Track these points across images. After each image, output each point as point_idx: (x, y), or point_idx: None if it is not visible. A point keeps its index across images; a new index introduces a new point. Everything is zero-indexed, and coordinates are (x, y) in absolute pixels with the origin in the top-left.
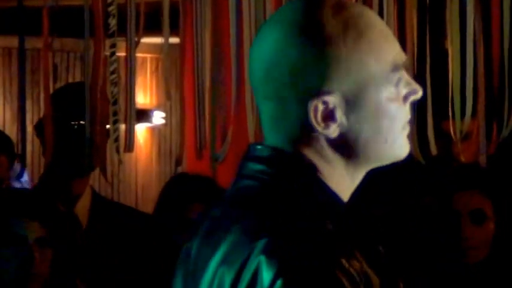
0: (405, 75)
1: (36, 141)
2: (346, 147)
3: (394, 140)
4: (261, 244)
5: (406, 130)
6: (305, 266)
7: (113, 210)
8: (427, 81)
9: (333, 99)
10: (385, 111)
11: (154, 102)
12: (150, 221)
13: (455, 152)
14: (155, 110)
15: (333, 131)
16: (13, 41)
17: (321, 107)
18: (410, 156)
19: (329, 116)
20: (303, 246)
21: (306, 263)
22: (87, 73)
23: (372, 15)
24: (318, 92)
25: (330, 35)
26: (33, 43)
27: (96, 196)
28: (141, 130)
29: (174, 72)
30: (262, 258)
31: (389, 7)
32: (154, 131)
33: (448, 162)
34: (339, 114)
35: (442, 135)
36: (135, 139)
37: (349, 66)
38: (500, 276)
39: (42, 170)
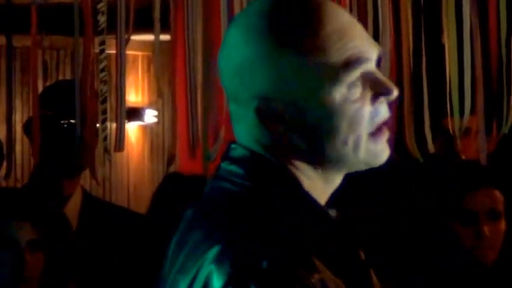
0: (372, 74)
1: (26, 140)
2: (306, 150)
3: (356, 144)
4: (213, 252)
5: (381, 134)
6: (256, 275)
7: (104, 211)
8: (423, 78)
9: (279, 101)
10: (339, 113)
11: (146, 100)
12: (142, 221)
13: (455, 149)
14: (147, 108)
15: (283, 132)
16: (1, 39)
17: (266, 108)
18: (407, 154)
19: (276, 118)
20: (257, 255)
21: (258, 273)
22: (77, 71)
23: (328, 11)
24: (264, 93)
25: (277, 35)
26: (23, 41)
27: (87, 196)
28: (133, 128)
29: (166, 70)
30: (213, 267)
31: (384, 2)
32: (147, 129)
33: (446, 160)
34: (287, 116)
35: (441, 132)
36: (127, 138)
37: (294, 67)
38: (507, 277)
39: (31, 170)
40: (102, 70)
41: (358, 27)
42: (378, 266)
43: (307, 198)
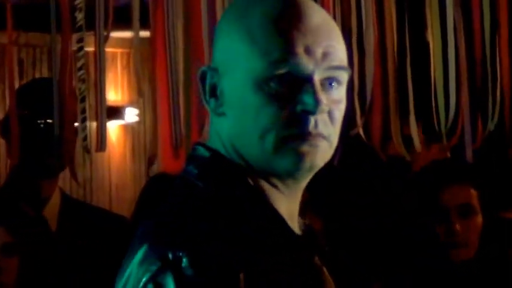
0: (303, 79)
1: (1, 141)
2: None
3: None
4: (140, 253)
5: (298, 142)
6: (176, 275)
7: (84, 212)
8: (408, 75)
9: (216, 73)
10: (248, 108)
11: (126, 98)
12: (123, 223)
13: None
14: (127, 106)
15: (215, 108)
16: None
17: (205, 75)
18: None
19: (212, 89)
20: (178, 254)
21: (177, 272)
22: (55, 69)
23: (297, 12)
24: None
25: (236, 13)
26: None
27: (66, 198)
28: (113, 128)
29: (146, 68)
30: (137, 267)
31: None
32: (128, 128)
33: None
34: (219, 90)
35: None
36: (107, 137)
37: (236, 47)
38: (487, 274)
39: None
40: (80, 68)
41: (313, 35)
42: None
43: (257, 201)
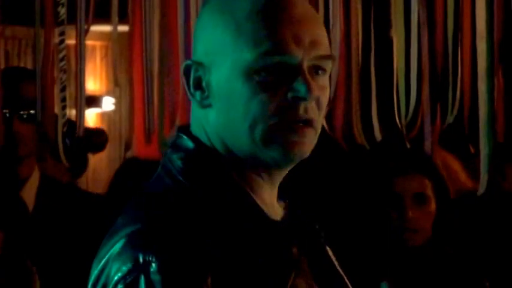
0: (292, 68)
1: None
2: (222, 127)
3: (253, 135)
4: (117, 246)
5: (287, 132)
6: (146, 274)
7: (62, 192)
8: (372, 70)
9: (201, 66)
10: (237, 99)
11: (104, 88)
12: (101, 202)
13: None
14: (105, 96)
15: (202, 99)
16: None
17: (189, 69)
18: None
19: (196, 82)
20: (150, 253)
21: (148, 272)
22: (38, 61)
23: (282, 3)
24: (197, 58)
25: (221, 3)
26: None
27: (44, 178)
28: (91, 115)
29: (123, 60)
30: (113, 261)
31: None
32: (104, 116)
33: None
34: (204, 83)
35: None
36: (85, 124)
37: (224, 39)
38: (439, 261)
39: None
40: (62, 59)
41: (300, 25)
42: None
43: (238, 198)
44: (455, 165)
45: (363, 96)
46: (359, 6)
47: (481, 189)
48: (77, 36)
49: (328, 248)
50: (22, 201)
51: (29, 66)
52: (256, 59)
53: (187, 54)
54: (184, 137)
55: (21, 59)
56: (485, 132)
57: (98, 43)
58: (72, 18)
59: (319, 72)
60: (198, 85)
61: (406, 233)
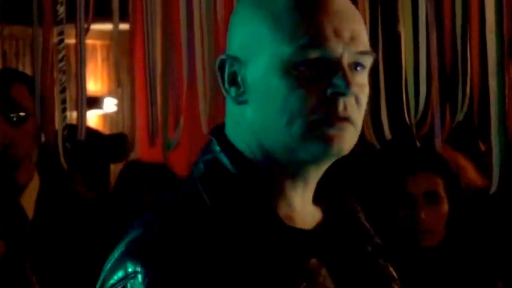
0: (331, 63)
1: None
2: (257, 125)
3: (291, 131)
4: (119, 249)
5: (326, 127)
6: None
7: (64, 198)
8: (380, 66)
9: (236, 61)
10: (274, 94)
11: (105, 89)
12: (102, 209)
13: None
14: (106, 97)
15: (236, 96)
16: None
17: (224, 64)
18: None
19: (231, 78)
20: (135, 268)
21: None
22: (37, 61)
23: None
24: (232, 53)
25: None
26: None
27: (44, 184)
28: (92, 117)
29: (125, 59)
30: (112, 261)
31: None
32: (106, 118)
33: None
34: (240, 78)
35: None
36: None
37: (261, 33)
38: (451, 260)
39: None
40: (61, 60)
41: (340, 18)
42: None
43: (253, 208)
44: (463, 162)
45: (371, 95)
46: (366, 3)
47: (493, 188)
48: (76, 35)
49: (380, 259)
50: (21, 208)
51: (27, 67)
52: (294, 52)
53: (191, 51)
54: (214, 139)
55: (19, 59)
56: (496, 129)
57: (98, 42)
58: (71, 17)
59: (358, 68)
60: (233, 81)
61: (420, 234)
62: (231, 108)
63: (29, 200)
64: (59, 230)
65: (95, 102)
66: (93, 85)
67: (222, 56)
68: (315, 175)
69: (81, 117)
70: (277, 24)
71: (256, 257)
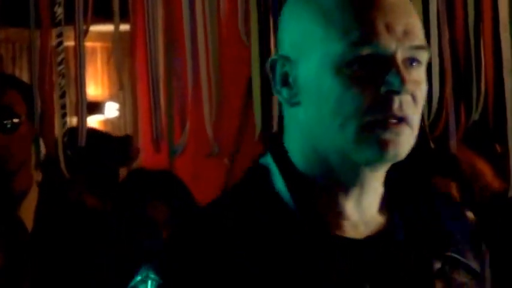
0: (385, 59)
1: None
2: (306, 126)
3: (343, 131)
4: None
5: (381, 130)
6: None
7: (63, 209)
8: None
9: (287, 61)
10: (327, 94)
11: (106, 93)
12: (103, 219)
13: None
14: (107, 101)
15: (288, 98)
16: None
17: (275, 65)
18: None
19: (283, 79)
20: (148, 273)
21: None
22: (35, 64)
23: None
24: (282, 53)
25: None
26: None
27: (44, 194)
28: (93, 123)
29: (126, 62)
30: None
31: None
32: (108, 123)
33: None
34: (291, 78)
35: None
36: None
37: (312, 30)
38: None
39: None
40: (60, 63)
41: (392, 13)
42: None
43: (284, 222)
44: (481, 164)
45: None
46: None
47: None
48: (75, 37)
49: (458, 275)
50: (20, 221)
51: (25, 71)
52: (346, 50)
53: (195, 51)
54: (268, 145)
55: (16, 63)
56: None
57: (98, 44)
58: (70, 18)
59: (414, 64)
60: (285, 81)
61: None
62: (285, 110)
63: (28, 210)
64: (59, 240)
65: (95, 107)
66: (94, 89)
67: (274, 56)
68: (371, 180)
69: (82, 122)
70: (328, 22)
71: (288, 264)
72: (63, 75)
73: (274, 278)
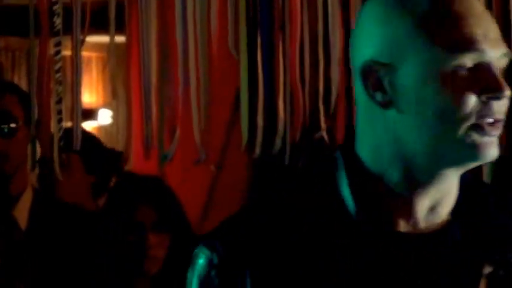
0: (483, 67)
1: None
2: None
3: (443, 137)
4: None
5: (480, 133)
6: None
7: (56, 210)
8: None
9: (381, 65)
10: (427, 101)
11: (101, 101)
12: (95, 220)
13: None
14: (101, 108)
15: (381, 100)
16: None
17: (370, 69)
18: None
19: (376, 82)
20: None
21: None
22: (33, 72)
23: None
24: (370, 56)
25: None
26: None
27: (37, 195)
28: (87, 128)
29: (121, 71)
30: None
31: (334, 5)
32: (101, 129)
33: None
34: (386, 81)
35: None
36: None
37: (408, 33)
38: None
39: None
40: (58, 71)
41: (484, 21)
42: None
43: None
44: None
45: None
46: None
47: None
48: (73, 47)
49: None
50: (14, 221)
51: (24, 78)
52: (448, 57)
53: (186, 63)
54: (339, 155)
55: (16, 71)
56: None
57: (94, 54)
58: (67, 29)
59: (502, 71)
60: (379, 86)
61: None
62: (372, 113)
63: (22, 211)
64: (52, 240)
65: (90, 113)
66: (89, 96)
67: (366, 60)
68: (449, 181)
69: (76, 128)
70: (426, 27)
71: (341, 254)
72: (60, 83)
73: (324, 264)
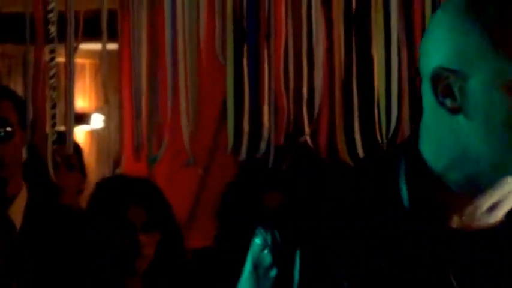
0: None
1: None
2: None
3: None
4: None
5: None
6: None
7: (50, 211)
8: (353, 87)
9: (451, 72)
10: (497, 111)
11: (93, 106)
12: (88, 221)
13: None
14: (94, 113)
15: (450, 106)
16: None
17: (439, 77)
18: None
19: (447, 89)
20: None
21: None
22: (28, 78)
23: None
24: (440, 63)
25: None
26: None
27: (32, 196)
28: (80, 133)
29: (112, 78)
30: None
31: (318, 15)
32: (93, 133)
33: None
34: (456, 89)
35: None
36: (74, 141)
37: (480, 43)
38: None
39: None
40: (52, 77)
41: None
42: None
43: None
44: None
45: (345, 114)
46: (341, 25)
47: None
48: (66, 54)
49: None
50: (10, 221)
51: (19, 84)
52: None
53: (175, 70)
54: (403, 157)
55: (12, 77)
56: None
57: (87, 61)
58: (62, 37)
59: None
60: (448, 92)
61: None
62: (439, 117)
63: (17, 212)
64: (46, 240)
65: (82, 118)
66: (82, 102)
67: (437, 67)
68: (510, 187)
69: (69, 132)
70: (493, 38)
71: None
72: (54, 88)
73: (373, 252)
